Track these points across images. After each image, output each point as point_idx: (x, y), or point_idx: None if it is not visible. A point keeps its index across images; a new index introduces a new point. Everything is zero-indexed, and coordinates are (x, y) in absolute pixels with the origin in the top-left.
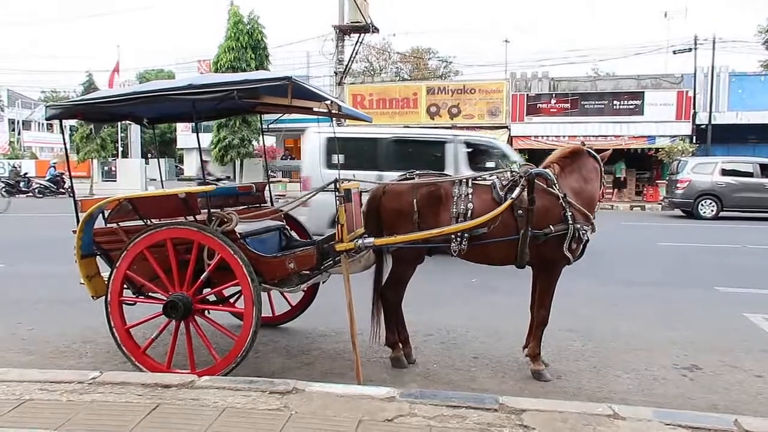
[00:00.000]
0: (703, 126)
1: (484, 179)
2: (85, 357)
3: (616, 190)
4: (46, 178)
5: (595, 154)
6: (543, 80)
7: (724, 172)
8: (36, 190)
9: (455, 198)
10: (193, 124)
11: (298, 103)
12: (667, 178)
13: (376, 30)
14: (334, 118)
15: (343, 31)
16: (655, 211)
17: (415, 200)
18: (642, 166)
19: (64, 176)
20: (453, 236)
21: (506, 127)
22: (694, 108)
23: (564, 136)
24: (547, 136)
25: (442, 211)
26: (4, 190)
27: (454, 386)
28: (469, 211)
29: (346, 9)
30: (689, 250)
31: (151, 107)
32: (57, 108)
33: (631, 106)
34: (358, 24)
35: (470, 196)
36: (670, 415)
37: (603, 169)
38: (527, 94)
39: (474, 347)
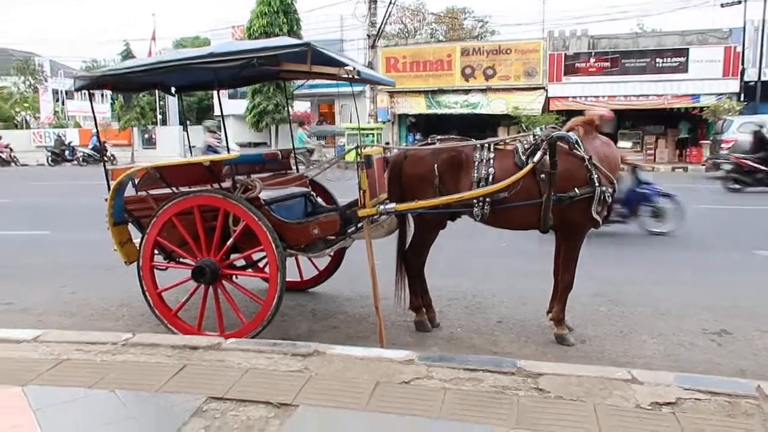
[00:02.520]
0: (752, 83)
1: (506, 144)
2: (121, 319)
3: (679, 151)
4: (89, 147)
5: None
6: (582, 38)
7: None
8: (80, 158)
9: (476, 163)
10: (227, 90)
11: (317, 69)
12: (711, 138)
13: None
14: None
15: None
16: (698, 173)
17: (436, 165)
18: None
19: (106, 144)
20: (475, 201)
21: (543, 88)
22: (743, 64)
23: (603, 96)
24: (586, 97)
25: (463, 176)
26: (50, 158)
27: (476, 350)
28: (491, 176)
29: None
30: (730, 213)
31: (176, 76)
32: (84, 79)
33: (675, 64)
34: None
35: (492, 161)
36: (690, 380)
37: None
38: (565, 54)
39: (498, 311)
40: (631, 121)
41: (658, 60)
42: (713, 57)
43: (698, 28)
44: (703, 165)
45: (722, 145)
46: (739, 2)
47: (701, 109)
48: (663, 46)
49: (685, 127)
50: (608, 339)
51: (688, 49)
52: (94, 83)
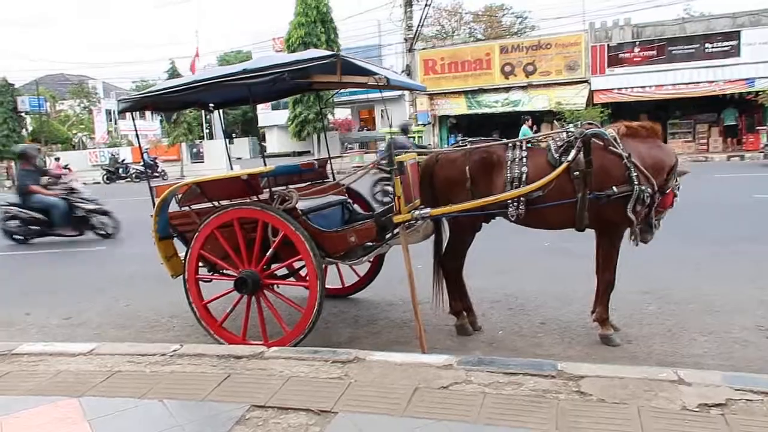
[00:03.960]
0: None
1: (539, 141)
2: (172, 330)
3: (729, 139)
4: (141, 164)
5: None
6: (625, 28)
7: None
8: (133, 175)
9: (509, 162)
10: (271, 102)
11: (347, 79)
12: None
13: None
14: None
15: None
16: (755, 161)
17: (467, 167)
18: (741, 111)
19: (157, 160)
20: (510, 201)
21: (586, 81)
22: None
23: (650, 86)
24: (632, 88)
25: (495, 177)
26: (105, 176)
27: (518, 353)
28: (524, 175)
29: None
30: None
31: (212, 94)
32: (127, 102)
33: (726, 48)
34: None
35: (524, 160)
36: (741, 380)
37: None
38: (608, 45)
39: (542, 313)
40: (681, 110)
41: (707, 45)
42: None
43: (750, 9)
44: (761, 152)
45: None
46: None
47: (756, 93)
48: (712, 31)
49: (731, 115)
50: (656, 338)
51: (739, 32)
52: (135, 105)
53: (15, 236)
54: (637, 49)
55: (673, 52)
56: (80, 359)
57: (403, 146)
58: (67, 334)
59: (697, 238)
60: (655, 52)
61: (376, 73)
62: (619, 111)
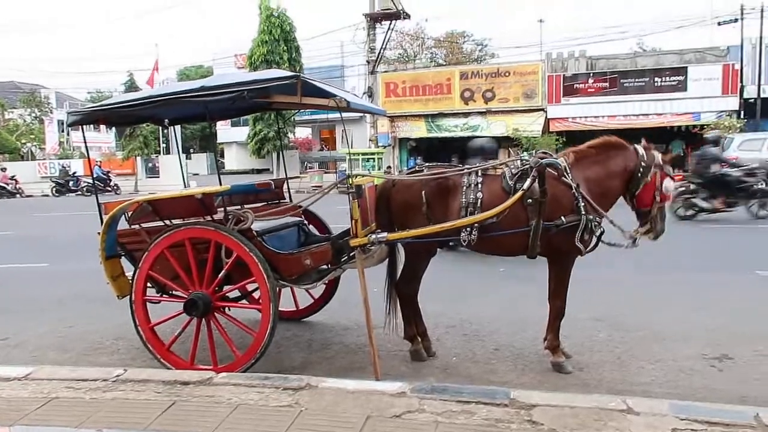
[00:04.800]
0: (752, 100)
1: (495, 169)
2: (116, 353)
3: (676, 169)
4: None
5: (644, 153)
6: (580, 59)
7: None
8: (84, 189)
9: (464, 188)
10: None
11: (308, 101)
12: None
13: (407, 16)
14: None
15: (374, 19)
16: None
17: (424, 192)
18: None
19: (110, 174)
20: (463, 228)
21: (542, 109)
22: (742, 82)
23: (603, 117)
24: (586, 117)
25: (451, 202)
26: (54, 189)
27: (472, 379)
28: (479, 201)
29: None
30: (732, 232)
31: (169, 109)
32: (78, 114)
33: (674, 83)
34: (389, 11)
35: (479, 186)
36: (687, 409)
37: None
38: (564, 75)
39: (496, 339)
40: (632, 140)
41: (656, 79)
42: (712, 75)
43: (696, 46)
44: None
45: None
46: (736, 20)
47: (701, 126)
48: (661, 65)
49: (678, 146)
50: (606, 366)
51: (686, 67)
52: (86, 118)
53: None
54: (591, 81)
55: (625, 84)
56: (14, 384)
57: (715, 158)
58: (1, 356)
59: (647, 265)
60: (608, 84)
61: (336, 96)
62: (573, 139)
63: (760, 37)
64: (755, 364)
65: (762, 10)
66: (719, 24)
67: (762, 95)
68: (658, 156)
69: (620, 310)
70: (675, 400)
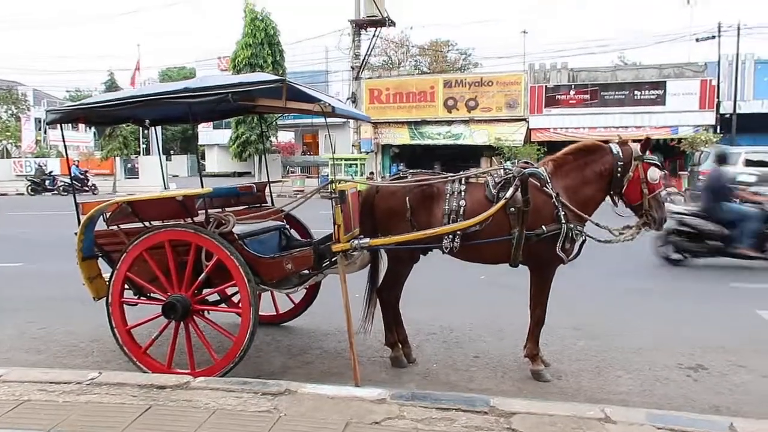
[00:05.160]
0: (728, 115)
1: (478, 177)
2: (91, 356)
3: None
4: (69, 177)
5: (619, 150)
6: (562, 71)
7: (748, 163)
8: (61, 188)
9: (447, 195)
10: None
11: (292, 105)
12: (689, 170)
13: (392, 24)
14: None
15: (359, 26)
16: (677, 203)
17: (408, 199)
18: (666, 156)
19: (87, 173)
20: (445, 235)
21: (524, 119)
22: (718, 97)
23: (584, 128)
24: (567, 128)
25: (435, 209)
26: (30, 188)
27: (452, 386)
28: (462, 209)
29: (362, 3)
30: None
31: (152, 110)
32: (57, 113)
33: (653, 96)
34: (374, 18)
35: (463, 194)
36: (663, 419)
37: (647, 161)
38: (546, 86)
39: (476, 346)
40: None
41: (636, 92)
42: (690, 90)
43: (675, 61)
44: (682, 195)
45: (699, 177)
46: (714, 37)
47: (679, 140)
48: (641, 79)
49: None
50: (585, 374)
51: (665, 82)
52: (65, 117)
53: None
54: (572, 92)
55: (606, 97)
56: None
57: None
58: None
59: (624, 275)
60: (589, 96)
61: (321, 101)
62: (554, 149)
63: (737, 54)
64: (729, 374)
65: (738, 28)
66: (697, 40)
67: (738, 111)
68: (636, 148)
69: (598, 319)
70: (652, 410)
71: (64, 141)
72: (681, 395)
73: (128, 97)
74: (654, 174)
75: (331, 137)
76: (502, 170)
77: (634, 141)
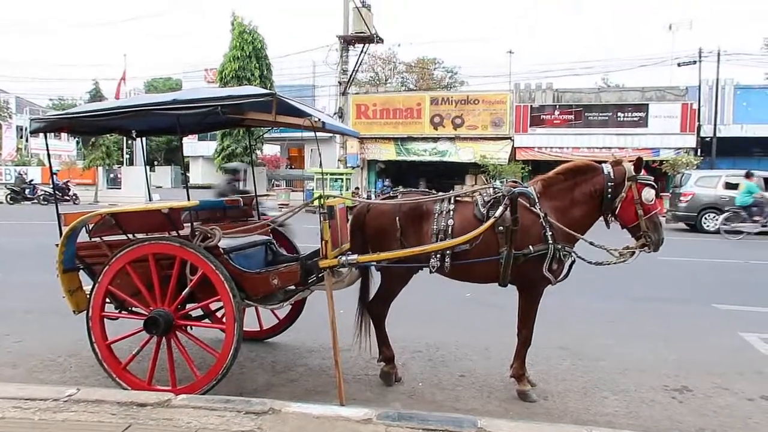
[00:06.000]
0: (708, 139)
1: (467, 196)
2: (69, 371)
3: None
4: (51, 186)
5: (610, 170)
6: (547, 91)
7: (728, 186)
8: (41, 197)
9: (436, 214)
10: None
11: (282, 119)
12: (671, 191)
13: (380, 40)
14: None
15: (347, 42)
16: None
17: (398, 218)
18: None
19: (69, 183)
20: (432, 253)
21: (510, 138)
22: (699, 121)
23: (567, 148)
24: (551, 148)
25: (424, 228)
26: (9, 196)
27: (438, 406)
28: (450, 228)
29: (350, 19)
30: (690, 265)
31: (138, 120)
32: (41, 122)
33: (636, 118)
34: (362, 34)
35: (451, 213)
36: None
37: (641, 181)
38: (531, 105)
39: (462, 365)
40: None
41: (619, 114)
42: (671, 113)
43: (657, 85)
44: (664, 216)
45: (681, 198)
46: (695, 62)
47: (661, 162)
48: (624, 101)
49: None
50: (571, 395)
51: (647, 105)
52: (50, 126)
53: None
54: (557, 112)
55: (590, 118)
56: None
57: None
58: None
59: (609, 296)
60: (573, 117)
61: (311, 116)
62: (539, 168)
63: (717, 79)
64: (713, 396)
65: (719, 54)
66: (679, 65)
67: (718, 134)
68: (630, 168)
69: (584, 339)
70: None
71: (48, 150)
72: (666, 417)
73: (116, 107)
74: (649, 194)
75: (318, 151)
76: (491, 189)
77: (630, 161)
